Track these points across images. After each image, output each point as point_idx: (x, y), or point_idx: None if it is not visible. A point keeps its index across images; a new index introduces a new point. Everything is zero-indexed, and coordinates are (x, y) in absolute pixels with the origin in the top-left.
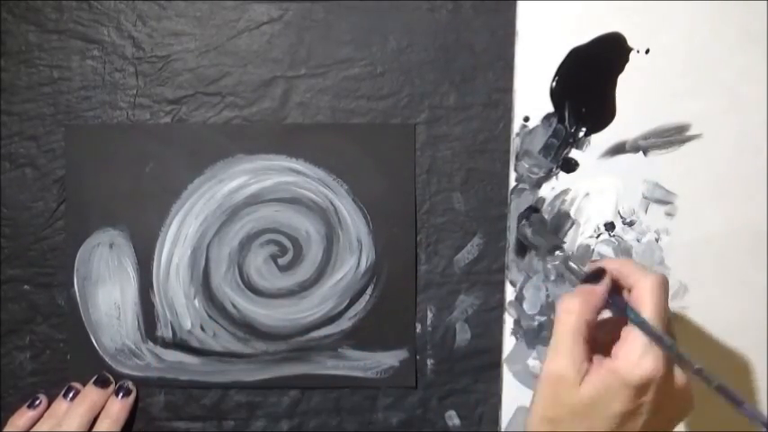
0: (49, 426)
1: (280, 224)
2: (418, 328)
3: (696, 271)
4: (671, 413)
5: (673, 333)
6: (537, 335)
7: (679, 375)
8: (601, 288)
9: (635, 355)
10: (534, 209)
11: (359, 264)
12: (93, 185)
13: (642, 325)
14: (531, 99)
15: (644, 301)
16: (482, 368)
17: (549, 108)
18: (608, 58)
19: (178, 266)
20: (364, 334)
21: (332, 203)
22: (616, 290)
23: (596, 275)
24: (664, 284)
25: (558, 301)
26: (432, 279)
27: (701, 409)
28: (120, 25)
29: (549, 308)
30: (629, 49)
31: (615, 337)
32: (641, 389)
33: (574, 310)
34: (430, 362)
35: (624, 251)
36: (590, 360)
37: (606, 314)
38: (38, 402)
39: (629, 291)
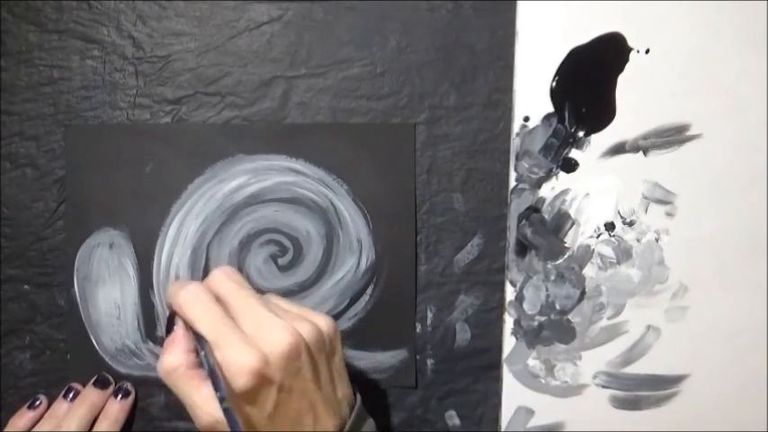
0: (50, 426)
1: (280, 224)
2: (418, 328)
3: (696, 271)
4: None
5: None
6: (537, 335)
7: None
8: (177, 334)
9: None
10: (534, 209)
11: (359, 264)
12: (93, 185)
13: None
14: (531, 99)
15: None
16: (482, 368)
17: (549, 108)
18: (608, 58)
19: (178, 266)
20: (364, 334)
21: (332, 203)
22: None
23: (170, 322)
24: (199, 295)
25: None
26: (432, 279)
27: (703, 408)
28: (120, 25)
29: (549, 308)
30: (629, 49)
31: None
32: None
33: (170, 366)
34: (430, 362)
35: (624, 251)
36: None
37: None
38: (38, 403)
39: None
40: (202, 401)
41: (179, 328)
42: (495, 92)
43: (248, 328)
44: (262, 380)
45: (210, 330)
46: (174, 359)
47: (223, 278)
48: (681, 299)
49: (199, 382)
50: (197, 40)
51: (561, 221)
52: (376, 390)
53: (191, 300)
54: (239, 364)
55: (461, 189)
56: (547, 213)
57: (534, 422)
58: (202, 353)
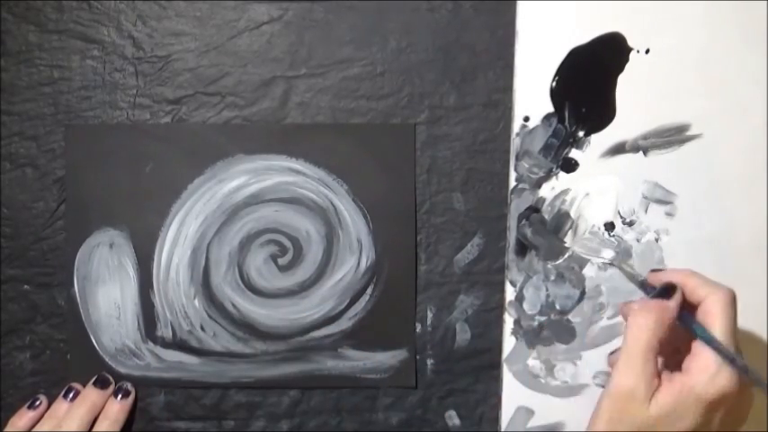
0: (50, 426)
1: (280, 224)
2: (418, 328)
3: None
4: (730, 426)
5: (739, 348)
6: (537, 335)
7: (746, 390)
8: (674, 304)
9: (709, 371)
10: (534, 209)
11: (359, 264)
12: (93, 185)
13: (712, 343)
14: (531, 99)
15: (714, 317)
16: (482, 368)
17: (549, 108)
18: (608, 58)
19: (178, 266)
20: (364, 334)
21: (332, 203)
22: (683, 304)
23: (667, 290)
24: (734, 300)
25: (631, 313)
26: (432, 279)
27: None
28: (120, 25)
29: (549, 308)
30: (629, 49)
31: (680, 350)
32: (715, 405)
33: (648, 326)
34: (430, 362)
35: (624, 251)
36: (659, 376)
37: None
38: (38, 403)
39: (697, 305)
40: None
41: (676, 301)
42: (495, 92)
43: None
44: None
45: (728, 337)
46: (651, 311)
47: (734, 303)
48: None
49: (654, 356)
50: (197, 40)
51: (561, 221)
52: (376, 390)
53: (727, 301)
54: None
55: (461, 189)
56: (547, 213)
57: (534, 422)
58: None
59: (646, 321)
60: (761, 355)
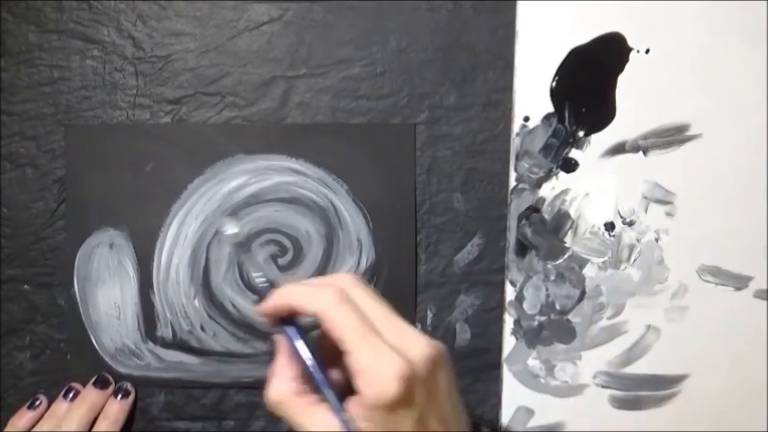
0: (49, 426)
1: (280, 224)
2: (418, 327)
3: (696, 271)
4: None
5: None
6: (537, 335)
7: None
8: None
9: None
10: (534, 209)
11: (359, 264)
12: (93, 185)
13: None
14: (531, 99)
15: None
16: (482, 368)
17: (549, 108)
18: (608, 58)
19: (178, 266)
20: None
21: (332, 203)
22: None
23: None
24: (341, 298)
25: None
26: (432, 279)
27: (703, 408)
28: (120, 25)
29: (549, 308)
30: (629, 49)
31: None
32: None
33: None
34: None
35: (624, 250)
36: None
37: None
38: (38, 403)
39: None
40: (321, 427)
41: (282, 357)
42: (495, 92)
43: (390, 337)
44: (410, 389)
45: (356, 336)
46: (279, 388)
47: (357, 285)
48: (681, 299)
49: (312, 408)
50: (197, 40)
51: (561, 221)
52: None
53: (333, 303)
54: (390, 371)
55: (461, 189)
56: (547, 213)
57: (534, 422)
58: (320, 376)
59: (270, 398)
60: (761, 356)
